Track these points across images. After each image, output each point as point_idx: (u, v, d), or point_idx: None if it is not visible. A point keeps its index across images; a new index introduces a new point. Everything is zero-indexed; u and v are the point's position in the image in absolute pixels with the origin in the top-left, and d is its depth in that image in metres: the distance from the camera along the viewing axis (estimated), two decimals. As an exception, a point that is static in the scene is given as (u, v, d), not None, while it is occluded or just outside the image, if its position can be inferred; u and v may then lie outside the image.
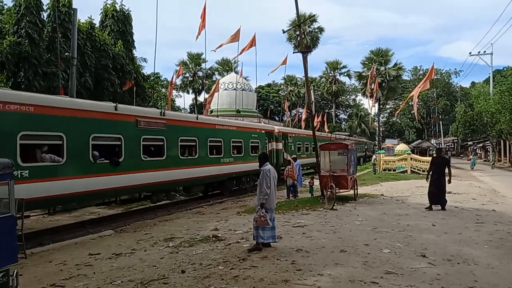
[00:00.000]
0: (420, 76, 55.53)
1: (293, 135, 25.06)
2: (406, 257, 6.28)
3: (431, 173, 11.56)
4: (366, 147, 51.46)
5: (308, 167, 27.70)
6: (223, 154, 15.93)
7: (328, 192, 12.24)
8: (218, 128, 15.95)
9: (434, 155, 12.96)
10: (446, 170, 11.40)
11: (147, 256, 6.93)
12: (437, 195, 11.17)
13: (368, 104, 45.70)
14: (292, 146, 24.30)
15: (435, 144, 43.17)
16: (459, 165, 37.80)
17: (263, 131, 19.92)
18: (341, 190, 12.72)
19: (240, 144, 17.44)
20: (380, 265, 5.84)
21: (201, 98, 59.91)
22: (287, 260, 6.18)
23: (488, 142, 44.61)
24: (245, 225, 9.27)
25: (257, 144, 18.92)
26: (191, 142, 14.10)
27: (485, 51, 45.45)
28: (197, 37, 21.75)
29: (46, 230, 10.47)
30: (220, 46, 25.03)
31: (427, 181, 11.78)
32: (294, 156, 18.52)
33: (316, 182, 15.09)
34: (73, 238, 9.17)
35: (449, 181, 11.33)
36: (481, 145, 52.81)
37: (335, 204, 11.66)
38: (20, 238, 4.88)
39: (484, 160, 47.41)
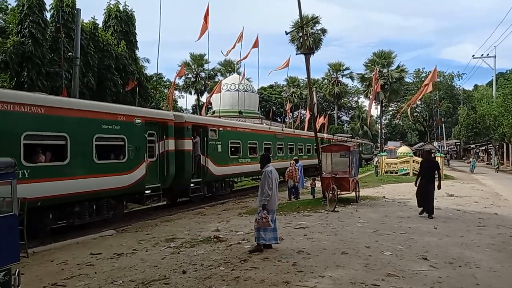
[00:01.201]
0: (423, 79, 55.34)
1: (222, 129, 16.07)
2: (408, 260, 6.27)
3: (419, 177, 10.79)
4: (361, 148, 42.72)
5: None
6: None
7: (330, 194, 12.24)
8: None
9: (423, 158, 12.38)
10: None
11: (148, 256, 6.94)
12: (423, 197, 10.49)
13: (369, 106, 45.49)
14: (220, 147, 15.72)
15: (437, 147, 43.00)
16: (461, 168, 37.71)
17: (139, 121, 11.57)
18: (342, 192, 12.73)
19: (64, 143, 9.28)
20: (382, 268, 5.83)
21: (203, 99, 60.02)
22: (288, 261, 6.18)
23: (491, 145, 44.49)
24: (246, 226, 9.27)
25: (122, 143, 10.95)
26: None
27: (488, 54, 45.61)
28: (199, 38, 21.73)
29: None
30: (231, 49, 25.05)
31: (415, 185, 10.95)
32: (296, 157, 18.20)
33: (318, 184, 15.08)
34: (75, 237, 9.19)
35: (439, 187, 10.46)
36: (484, 148, 52.66)
37: (337, 206, 11.66)
38: (22, 237, 4.88)
39: (487, 163, 47.23)
